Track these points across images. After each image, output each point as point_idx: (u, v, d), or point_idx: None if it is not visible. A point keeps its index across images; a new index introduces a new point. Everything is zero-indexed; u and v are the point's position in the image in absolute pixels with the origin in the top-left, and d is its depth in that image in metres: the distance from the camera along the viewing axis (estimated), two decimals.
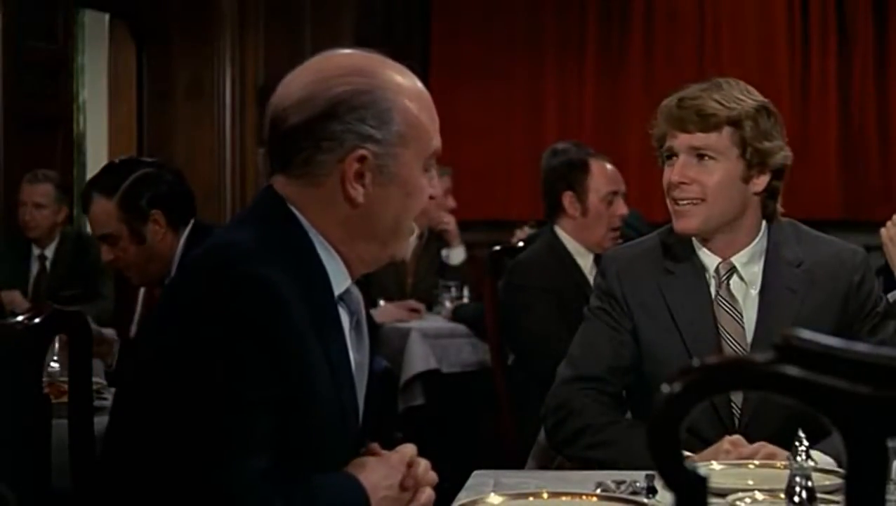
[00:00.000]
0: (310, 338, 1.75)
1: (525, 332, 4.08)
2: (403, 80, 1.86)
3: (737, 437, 2.31)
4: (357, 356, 1.89)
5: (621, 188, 4.20)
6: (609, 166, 4.20)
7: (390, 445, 1.93)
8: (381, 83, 1.83)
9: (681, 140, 2.44)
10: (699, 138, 2.43)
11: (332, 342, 1.81)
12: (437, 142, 1.88)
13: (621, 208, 4.17)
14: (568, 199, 4.11)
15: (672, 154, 2.46)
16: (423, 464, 1.89)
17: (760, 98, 2.47)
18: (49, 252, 5.76)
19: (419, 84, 1.89)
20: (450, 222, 5.93)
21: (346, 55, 1.89)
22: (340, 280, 1.86)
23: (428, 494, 1.88)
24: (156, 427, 1.75)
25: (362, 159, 1.81)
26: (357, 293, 1.91)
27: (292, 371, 1.73)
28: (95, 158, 7.44)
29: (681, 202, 2.45)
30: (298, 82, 1.85)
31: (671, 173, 2.46)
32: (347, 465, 1.85)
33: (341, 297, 1.87)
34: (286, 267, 1.76)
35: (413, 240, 5.96)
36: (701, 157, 2.43)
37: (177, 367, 1.73)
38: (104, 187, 3.25)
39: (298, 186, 1.84)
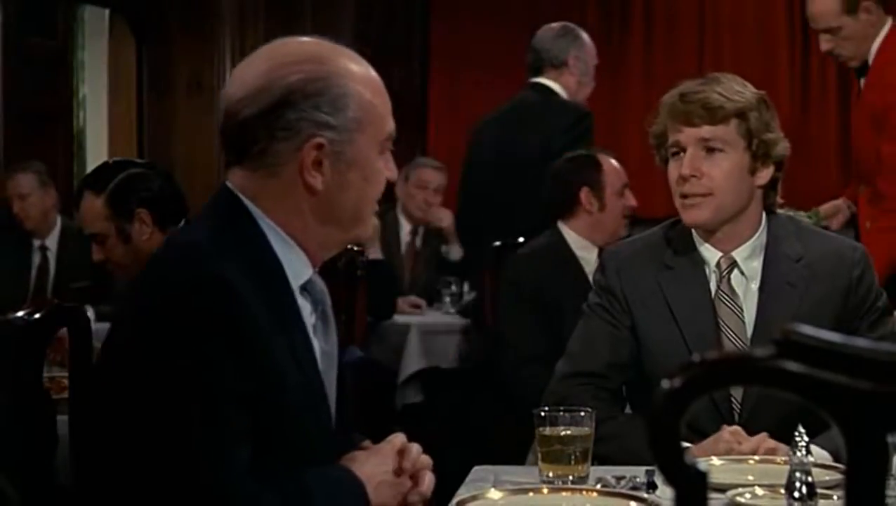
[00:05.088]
0: (270, 331, 1.75)
1: (496, 326, 4.25)
2: (356, 67, 1.86)
3: (735, 428, 2.32)
4: (324, 346, 1.90)
5: (627, 180, 4.27)
6: (614, 161, 4.26)
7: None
8: (334, 69, 1.83)
9: (687, 134, 2.45)
10: (707, 130, 2.44)
11: (293, 333, 1.81)
12: (391, 125, 1.89)
13: (631, 200, 4.24)
14: (585, 194, 4.13)
15: (679, 149, 2.47)
16: (415, 449, 1.89)
17: (756, 90, 2.49)
18: (50, 242, 5.78)
19: (371, 70, 1.89)
20: (444, 218, 5.94)
21: (298, 43, 1.89)
22: (301, 270, 1.86)
23: (429, 477, 1.89)
24: (133, 431, 1.74)
25: (319, 147, 1.81)
26: (321, 284, 1.91)
27: (258, 364, 1.73)
28: (95, 153, 7.43)
29: (689, 196, 2.46)
30: (250, 72, 1.85)
31: (679, 167, 2.46)
32: (330, 457, 1.85)
33: (304, 287, 1.87)
34: (240, 262, 1.77)
35: (406, 235, 5.99)
36: (710, 149, 2.44)
37: (146, 370, 1.73)
38: (94, 185, 3.25)
39: (255, 178, 1.84)
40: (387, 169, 1.89)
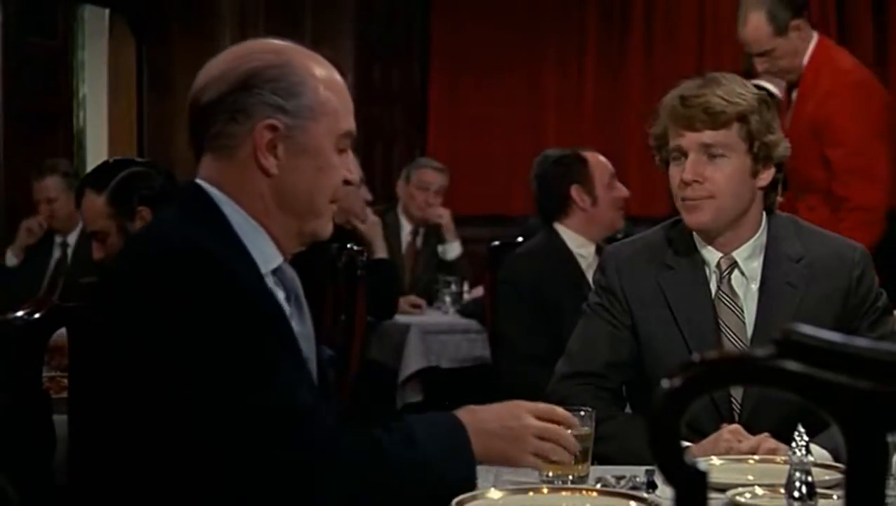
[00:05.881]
0: (252, 296, 1.78)
1: (495, 326, 4.32)
2: (317, 65, 1.91)
3: (735, 426, 2.32)
4: (300, 328, 1.92)
5: (614, 171, 4.32)
6: (599, 155, 4.31)
7: None
8: (294, 61, 1.89)
9: (689, 139, 2.45)
10: (709, 136, 2.43)
11: (269, 306, 1.83)
12: (348, 124, 1.92)
13: (622, 190, 4.28)
14: (576, 191, 4.17)
15: (680, 153, 2.47)
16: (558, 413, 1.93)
17: (756, 90, 2.48)
18: (72, 239, 5.78)
19: (335, 72, 1.94)
20: (443, 215, 5.94)
21: (263, 41, 1.96)
22: (271, 256, 1.89)
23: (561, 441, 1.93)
24: (175, 416, 1.75)
25: (273, 129, 1.85)
26: (291, 272, 1.94)
27: (251, 317, 1.75)
28: (95, 153, 7.43)
29: (690, 199, 2.45)
30: (214, 65, 1.93)
31: (681, 172, 2.46)
32: None
33: (275, 273, 1.90)
34: (208, 243, 1.80)
35: (406, 235, 5.99)
36: (711, 154, 2.44)
37: (158, 340, 1.73)
38: (96, 183, 3.25)
39: (215, 162, 1.89)
40: (344, 168, 1.92)
